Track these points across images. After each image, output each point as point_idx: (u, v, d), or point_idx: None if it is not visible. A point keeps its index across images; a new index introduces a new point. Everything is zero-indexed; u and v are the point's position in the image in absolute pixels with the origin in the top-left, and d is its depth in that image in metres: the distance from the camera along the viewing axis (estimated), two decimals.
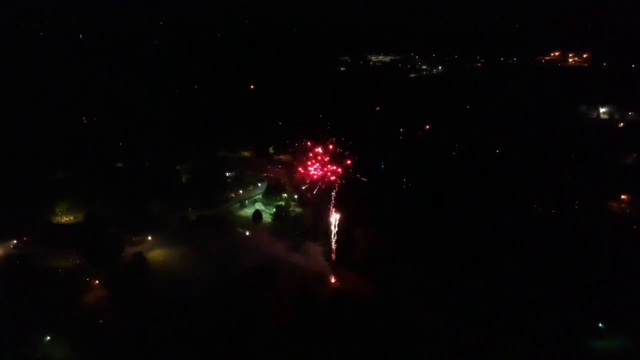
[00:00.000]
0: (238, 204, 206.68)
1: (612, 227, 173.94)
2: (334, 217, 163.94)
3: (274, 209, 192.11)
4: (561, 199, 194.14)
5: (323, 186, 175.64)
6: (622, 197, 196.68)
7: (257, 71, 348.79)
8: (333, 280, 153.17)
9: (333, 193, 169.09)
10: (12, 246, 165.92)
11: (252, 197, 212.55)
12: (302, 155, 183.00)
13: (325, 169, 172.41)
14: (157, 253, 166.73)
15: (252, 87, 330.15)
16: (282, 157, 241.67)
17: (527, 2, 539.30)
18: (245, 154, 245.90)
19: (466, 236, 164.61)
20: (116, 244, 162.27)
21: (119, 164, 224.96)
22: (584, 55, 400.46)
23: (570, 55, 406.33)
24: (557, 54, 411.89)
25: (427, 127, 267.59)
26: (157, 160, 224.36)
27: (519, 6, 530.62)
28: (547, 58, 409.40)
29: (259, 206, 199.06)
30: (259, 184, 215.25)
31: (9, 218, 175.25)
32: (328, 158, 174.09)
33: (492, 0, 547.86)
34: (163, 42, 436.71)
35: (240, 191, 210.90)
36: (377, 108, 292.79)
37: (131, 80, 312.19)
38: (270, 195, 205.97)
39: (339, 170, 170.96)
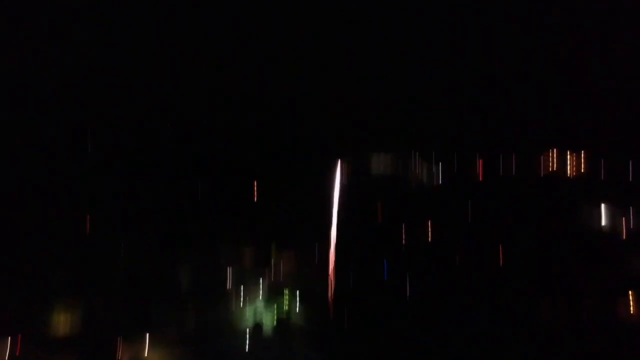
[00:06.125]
0: (238, 302, 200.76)
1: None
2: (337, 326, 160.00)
3: (275, 307, 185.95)
4: (565, 307, 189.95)
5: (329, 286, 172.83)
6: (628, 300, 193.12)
7: (257, 165, 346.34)
8: None
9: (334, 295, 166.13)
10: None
11: (253, 295, 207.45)
12: (306, 253, 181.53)
13: (330, 270, 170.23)
14: (154, 357, 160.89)
15: (255, 182, 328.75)
16: (284, 252, 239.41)
17: (522, 104, 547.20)
18: (246, 249, 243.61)
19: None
20: (110, 345, 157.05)
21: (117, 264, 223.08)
22: (582, 154, 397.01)
23: (569, 152, 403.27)
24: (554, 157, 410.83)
25: (429, 231, 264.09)
26: (155, 258, 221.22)
27: (514, 109, 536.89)
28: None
29: (259, 304, 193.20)
30: (260, 280, 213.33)
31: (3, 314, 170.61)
32: (331, 259, 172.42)
33: (488, 102, 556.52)
34: (158, 133, 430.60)
35: (241, 287, 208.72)
36: (378, 208, 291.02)
37: (131, 179, 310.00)
38: (272, 293, 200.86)
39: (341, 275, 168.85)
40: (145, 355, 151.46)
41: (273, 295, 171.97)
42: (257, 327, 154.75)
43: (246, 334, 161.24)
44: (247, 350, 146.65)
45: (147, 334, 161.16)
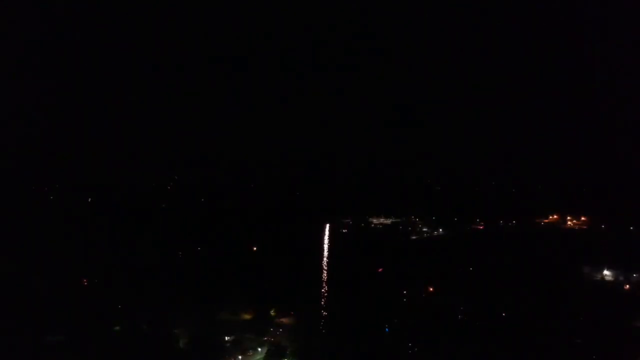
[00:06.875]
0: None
1: None
2: None
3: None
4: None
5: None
6: None
7: (257, 232, 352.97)
8: None
9: None
10: None
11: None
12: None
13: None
14: None
15: (254, 248, 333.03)
16: (284, 320, 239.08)
17: (523, 168, 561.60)
18: (246, 316, 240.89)
19: None
20: None
21: (117, 328, 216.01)
22: (582, 218, 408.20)
23: (569, 218, 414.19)
24: (555, 217, 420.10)
25: (431, 289, 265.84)
26: (155, 323, 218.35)
27: (516, 171, 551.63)
28: (546, 221, 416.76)
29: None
30: (259, 349, 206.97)
31: None
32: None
33: (490, 165, 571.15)
34: (163, 200, 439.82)
35: (240, 357, 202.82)
36: (380, 270, 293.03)
37: (132, 240, 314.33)
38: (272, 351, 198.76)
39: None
40: None
41: (273, 357, 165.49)
42: None
43: None
44: None
45: None
